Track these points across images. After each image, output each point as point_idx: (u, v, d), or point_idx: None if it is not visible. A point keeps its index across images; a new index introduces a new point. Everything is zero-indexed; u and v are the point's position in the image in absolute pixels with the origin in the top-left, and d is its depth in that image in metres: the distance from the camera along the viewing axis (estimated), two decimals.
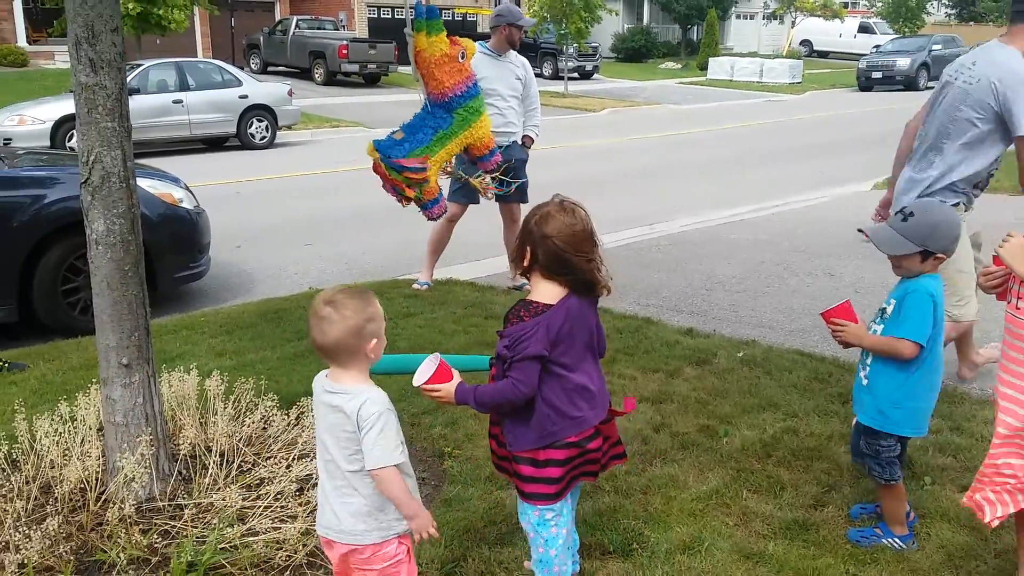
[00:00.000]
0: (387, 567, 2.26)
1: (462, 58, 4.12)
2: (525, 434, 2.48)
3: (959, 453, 3.66)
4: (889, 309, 2.91)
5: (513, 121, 6.06)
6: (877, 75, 29.33)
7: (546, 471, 2.48)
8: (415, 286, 6.27)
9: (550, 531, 2.54)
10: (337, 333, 2.13)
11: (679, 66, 36.90)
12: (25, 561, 2.70)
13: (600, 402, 2.58)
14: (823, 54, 42.74)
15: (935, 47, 29.96)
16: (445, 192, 4.82)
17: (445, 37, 4.20)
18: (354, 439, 2.16)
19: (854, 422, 3.09)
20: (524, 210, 5.72)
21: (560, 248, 2.40)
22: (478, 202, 5.93)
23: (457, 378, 2.48)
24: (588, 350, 2.54)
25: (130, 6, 16.10)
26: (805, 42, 43.16)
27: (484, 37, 6.19)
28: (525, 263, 2.48)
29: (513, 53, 6.09)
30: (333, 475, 2.24)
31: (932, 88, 5.74)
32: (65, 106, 13.22)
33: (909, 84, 28.34)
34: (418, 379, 2.44)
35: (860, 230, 3.06)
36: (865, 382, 2.96)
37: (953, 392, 4.34)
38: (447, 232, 6.17)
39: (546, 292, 2.45)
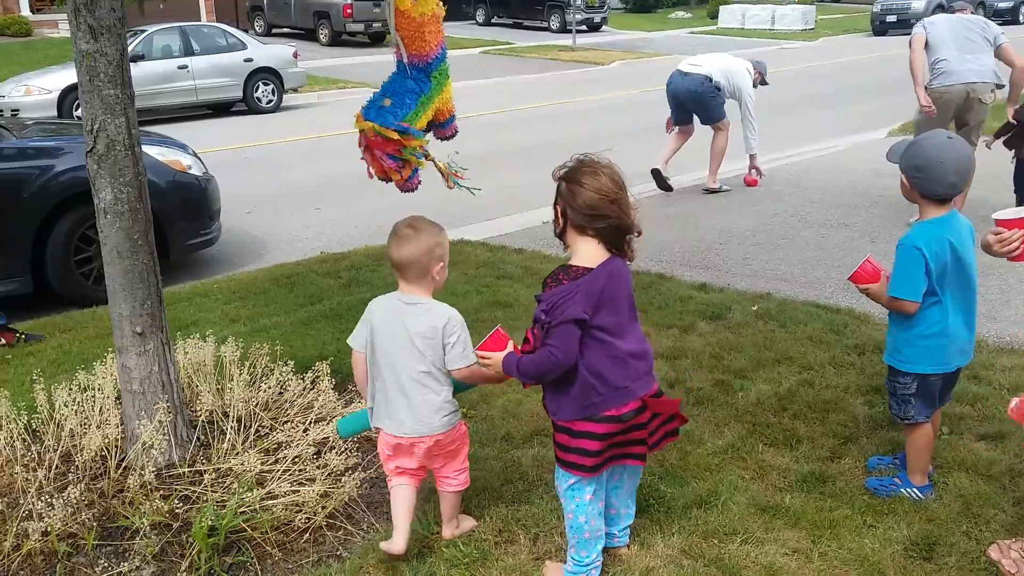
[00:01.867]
0: (461, 442, 2.76)
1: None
2: (565, 404, 2.42)
3: (977, 402, 3.64)
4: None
5: None
6: (892, 19, 28.78)
7: (581, 442, 2.42)
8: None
9: (578, 498, 2.51)
10: (412, 249, 2.53)
11: (689, 15, 36.28)
12: (49, 529, 2.75)
13: (647, 372, 2.49)
14: None
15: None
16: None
17: None
18: (434, 345, 2.56)
19: None
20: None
21: (589, 202, 2.34)
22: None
23: (509, 347, 2.48)
24: (631, 314, 2.46)
25: None
26: None
27: None
28: (559, 227, 2.44)
29: None
30: (411, 380, 2.58)
31: None
32: (71, 75, 13.11)
33: None
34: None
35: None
36: (887, 320, 2.99)
37: None
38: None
39: (585, 255, 2.39)
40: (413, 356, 2.57)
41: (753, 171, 8.21)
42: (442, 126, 4.08)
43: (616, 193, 2.36)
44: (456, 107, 4.06)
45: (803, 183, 8.26)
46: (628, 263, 2.47)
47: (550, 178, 2.47)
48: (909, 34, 6.66)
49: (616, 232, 2.38)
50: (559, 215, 2.43)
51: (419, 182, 3.92)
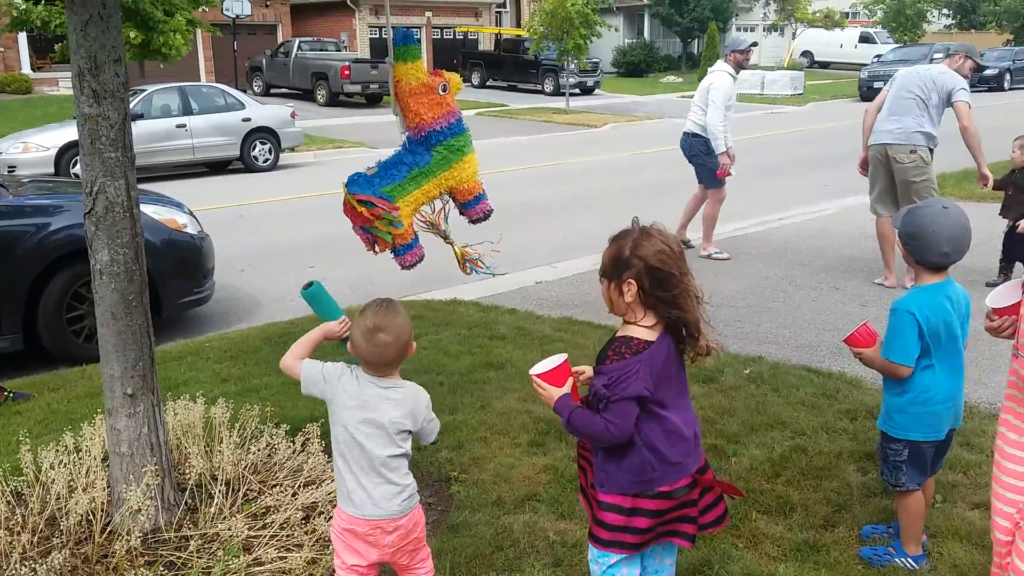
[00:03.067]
0: (421, 532, 2.53)
1: (443, 91, 3.71)
2: (617, 477, 2.30)
3: (969, 469, 3.63)
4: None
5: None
6: (879, 84, 29.12)
7: (634, 520, 2.30)
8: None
9: None
10: (395, 352, 2.40)
11: (680, 80, 36.98)
12: None
13: (697, 445, 2.40)
14: (824, 65, 42.80)
15: (936, 56, 30.02)
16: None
17: (422, 65, 3.80)
18: (403, 427, 2.43)
19: None
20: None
21: (658, 268, 2.23)
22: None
23: (567, 388, 2.41)
24: (682, 388, 2.39)
25: (132, 35, 16.21)
26: (806, 53, 43.23)
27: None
28: (626, 298, 2.27)
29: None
30: (379, 464, 2.42)
31: None
32: (69, 133, 13.28)
33: None
34: (537, 369, 2.47)
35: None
36: (879, 387, 3.01)
37: None
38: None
39: (644, 328, 2.29)
40: (384, 438, 2.43)
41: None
42: (467, 206, 3.86)
43: (680, 260, 2.28)
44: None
45: (793, 246, 8.35)
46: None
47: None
48: None
49: (674, 303, 2.26)
50: (620, 283, 2.28)
51: (420, 257, 3.79)
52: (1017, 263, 6.47)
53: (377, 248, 3.71)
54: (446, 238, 3.76)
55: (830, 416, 4.20)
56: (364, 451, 2.41)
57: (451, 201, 3.87)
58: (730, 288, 6.84)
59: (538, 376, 2.39)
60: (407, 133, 3.74)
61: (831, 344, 5.40)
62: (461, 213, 3.89)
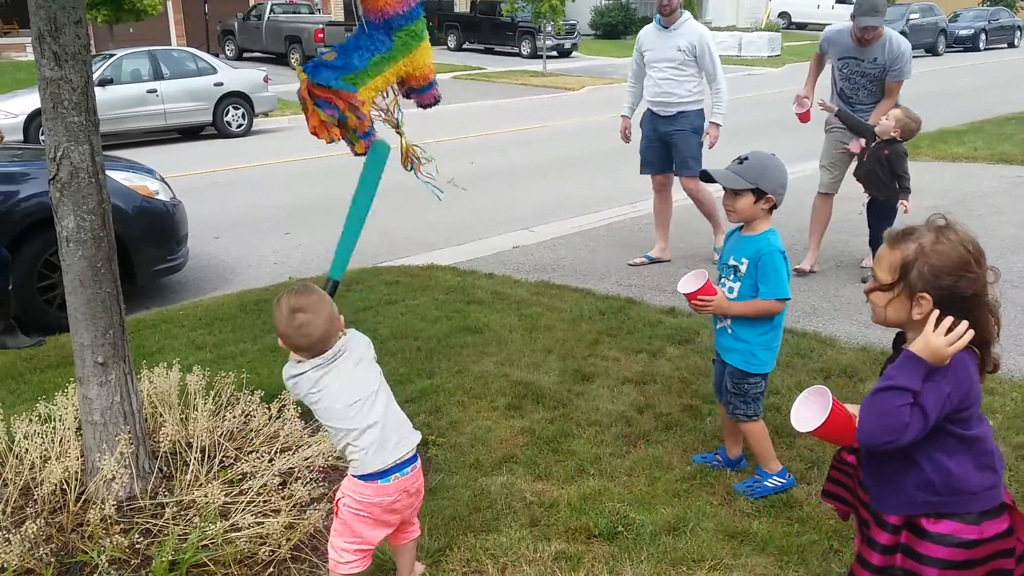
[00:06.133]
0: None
1: None
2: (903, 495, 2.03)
3: None
4: (743, 268, 3.10)
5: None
6: None
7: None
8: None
9: None
10: (321, 330, 2.37)
11: None
12: (5, 565, 2.68)
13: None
14: (801, 26, 42.58)
15: (912, 16, 30.03)
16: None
17: None
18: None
19: (715, 367, 3.37)
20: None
21: (957, 285, 1.91)
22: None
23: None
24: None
25: None
26: (783, 14, 42.97)
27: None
28: (914, 315, 1.95)
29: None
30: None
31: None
32: (37, 99, 12.91)
33: None
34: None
35: (704, 170, 3.27)
36: (730, 331, 3.17)
37: None
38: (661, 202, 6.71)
39: None
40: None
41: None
42: (419, 92, 3.77)
43: (982, 268, 1.95)
44: (426, 132, 3.89)
45: None
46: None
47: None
48: None
49: (973, 325, 1.91)
50: (910, 297, 1.95)
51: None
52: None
53: (333, 133, 3.56)
54: (397, 127, 3.70)
55: (804, 375, 4.23)
56: (376, 406, 2.48)
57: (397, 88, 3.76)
58: (707, 250, 6.85)
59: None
60: (364, 17, 3.61)
61: (804, 304, 5.44)
62: (409, 98, 3.78)
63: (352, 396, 2.44)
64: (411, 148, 3.81)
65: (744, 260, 3.10)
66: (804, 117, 6.22)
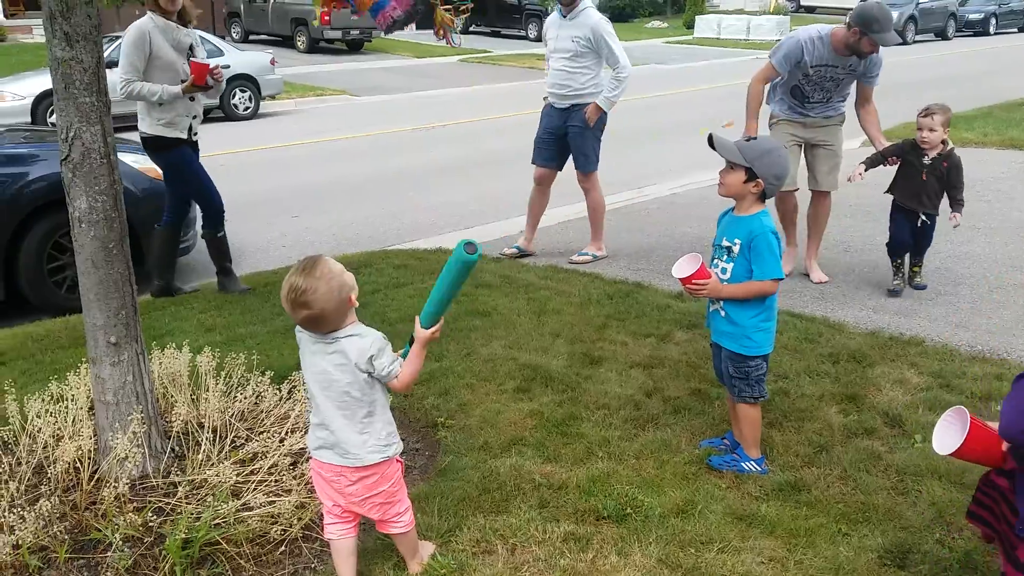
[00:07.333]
0: (394, 487, 2.57)
1: None
2: None
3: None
4: (735, 248, 3.12)
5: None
6: None
7: None
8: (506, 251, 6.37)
9: None
10: (319, 313, 2.35)
11: (665, 25, 36.54)
12: (20, 542, 2.71)
13: None
14: (810, 9, 42.28)
15: (921, 2, 29.81)
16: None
17: None
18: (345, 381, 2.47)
19: (713, 350, 3.40)
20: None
21: None
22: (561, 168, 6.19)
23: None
24: None
25: None
26: None
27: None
28: None
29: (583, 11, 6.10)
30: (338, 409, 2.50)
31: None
32: (45, 81, 12.96)
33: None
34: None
35: (711, 133, 3.21)
36: (723, 314, 3.18)
37: (943, 349, 4.37)
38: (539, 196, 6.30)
39: None
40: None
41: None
42: None
43: None
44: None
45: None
46: None
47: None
48: None
49: None
50: None
51: (392, 19, 3.73)
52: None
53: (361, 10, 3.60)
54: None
55: (812, 360, 4.24)
56: (321, 401, 2.52)
57: None
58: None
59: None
60: None
61: (813, 289, 5.43)
62: None
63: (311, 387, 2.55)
64: (446, 19, 3.84)
65: (737, 240, 3.13)
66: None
